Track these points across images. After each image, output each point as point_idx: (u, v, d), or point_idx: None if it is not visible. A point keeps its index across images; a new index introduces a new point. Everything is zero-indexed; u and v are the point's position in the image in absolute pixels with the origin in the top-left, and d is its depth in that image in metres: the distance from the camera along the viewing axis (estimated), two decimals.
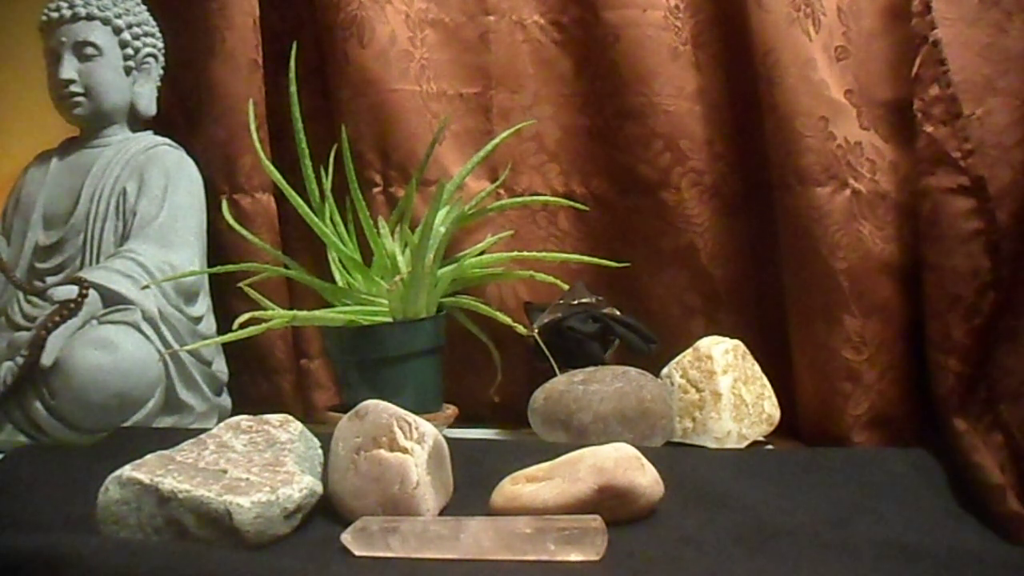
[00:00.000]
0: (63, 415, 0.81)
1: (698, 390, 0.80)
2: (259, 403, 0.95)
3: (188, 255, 0.91)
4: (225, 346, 0.93)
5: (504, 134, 0.89)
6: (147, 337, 0.85)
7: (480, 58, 0.96)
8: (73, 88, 0.93)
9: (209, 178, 0.97)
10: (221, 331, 0.92)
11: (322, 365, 1.02)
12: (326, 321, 0.84)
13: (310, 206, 0.84)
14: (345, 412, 0.63)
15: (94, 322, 0.84)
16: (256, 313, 0.81)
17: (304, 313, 0.83)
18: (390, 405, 0.61)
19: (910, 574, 0.52)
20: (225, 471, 0.57)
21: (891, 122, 0.84)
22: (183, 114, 1.02)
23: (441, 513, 0.60)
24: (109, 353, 0.81)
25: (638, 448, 0.61)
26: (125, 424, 0.82)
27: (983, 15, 0.74)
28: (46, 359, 0.81)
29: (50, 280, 0.90)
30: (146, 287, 0.86)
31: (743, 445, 0.78)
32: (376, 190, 0.96)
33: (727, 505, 0.62)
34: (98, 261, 0.90)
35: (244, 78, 0.95)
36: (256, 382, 0.99)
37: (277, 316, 0.82)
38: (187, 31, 0.99)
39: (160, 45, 0.98)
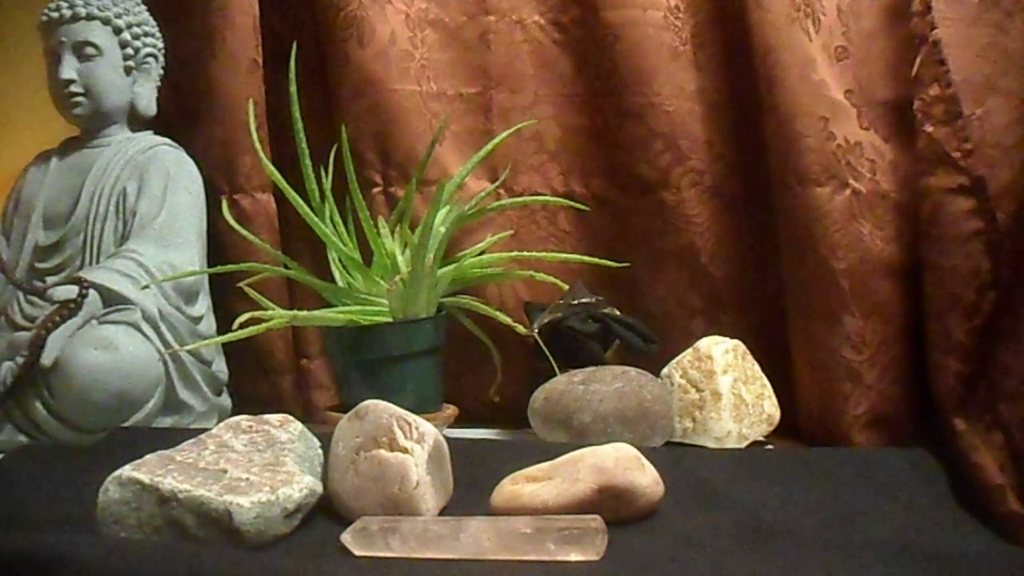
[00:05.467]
0: (63, 415, 0.81)
1: (698, 390, 0.80)
2: (259, 403, 0.95)
3: (188, 255, 0.91)
4: (225, 346, 0.93)
5: (504, 134, 0.89)
6: (147, 337, 0.85)
7: (480, 58, 0.96)
8: (73, 88, 0.93)
9: (209, 178, 0.97)
10: (221, 331, 0.92)
11: (322, 365, 1.02)
12: (326, 321, 0.84)
13: (310, 206, 0.84)
14: (345, 412, 0.63)
15: (94, 322, 0.84)
16: (256, 313, 0.81)
17: (304, 313, 0.83)
18: (390, 405, 0.61)
19: (910, 574, 0.52)
20: (225, 471, 0.57)
21: (891, 122, 0.84)
22: (183, 114, 1.02)
23: (441, 513, 0.60)
24: (109, 353, 0.81)
25: (638, 448, 0.61)
26: (125, 424, 0.82)
27: (983, 15, 0.74)
28: (46, 359, 0.81)
29: (50, 280, 0.90)
30: (146, 287, 0.86)
31: (743, 445, 0.78)
32: (376, 190, 0.96)
33: (727, 505, 0.62)
34: (98, 261, 0.90)
35: (244, 78, 0.95)
36: (256, 382, 0.99)
37: (277, 316, 0.82)
38: (187, 31, 0.99)
39: (160, 45, 0.98)
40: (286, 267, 0.87)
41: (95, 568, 0.50)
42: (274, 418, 0.67)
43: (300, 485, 0.57)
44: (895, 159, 0.83)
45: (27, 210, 0.95)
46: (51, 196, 0.95)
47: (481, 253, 0.88)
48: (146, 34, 0.96)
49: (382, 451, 0.59)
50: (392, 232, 0.87)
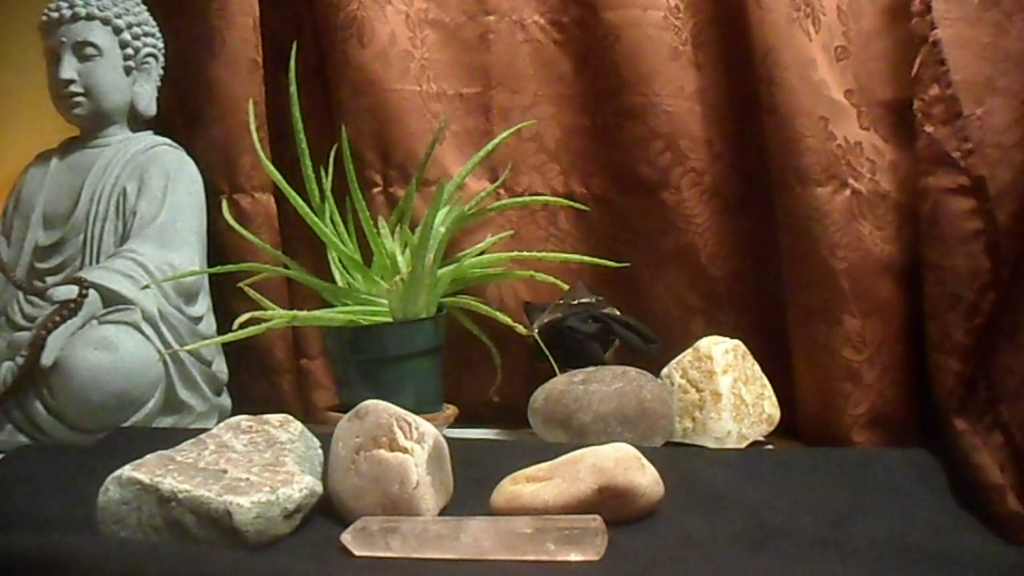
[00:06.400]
0: (63, 415, 0.81)
1: (698, 390, 0.79)
2: (259, 403, 0.95)
3: (188, 255, 0.91)
4: (225, 346, 0.93)
5: (504, 134, 0.89)
6: (147, 337, 0.85)
7: (480, 58, 0.96)
8: (73, 88, 0.93)
9: (209, 178, 0.97)
10: (221, 331, 0.92)
11: (322, 365, 1.02)
12: (326, 321, 0.84)
13: (310, 206, 0.84)
14: (345, 412, 0.63)
15: (94, 322, 0.84)
16: (256, 313, 0.81)
17: (304, 313, 0.83)
18: (390, 405, 0.61)
19: (910, 574, 0.52)
20: (225, 471, 0.57)
21: (891, 122, 0.84)
22: (183, 114, 1.02)
23: (441, 513, 0.60)
24: (109, 353, 0.81)
25: (638, 448, 0.61)
26: (125, 424, 0.82)
27: (983, 15, 0.74)
28: (46, 359, 0.81)
29: (50, 280, 0.90)
30: (146, 287, 0.86)
31: (743, 445, 0.78)
32: (376, 190, 0.96)
33: (727, 505, 0.62)
34: (98, 261, 0.90)
35: (244, 78, 0.95)
36: (256, 382, 0.99)
37: (277, 316, 0.82)
38: (187, 31, 0.99)
39: (160, 45, 0.98)
40: (286, 267, 0.87)
41: (95, 568, 0.50)
42: (274, 418, 0.67)
43: (300, 485, 0.57)
44: (895, 159, 0.83)
45: (27, 210, 0.95)
46: (51, 196, 0.94)
47: (481, 253, 0.88)
48: (146, 34, 0.96)
49: (382, 451, 0.59)
50: (392, 232, 0.87)
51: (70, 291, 0.83)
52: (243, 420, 0.66)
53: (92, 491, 0.56)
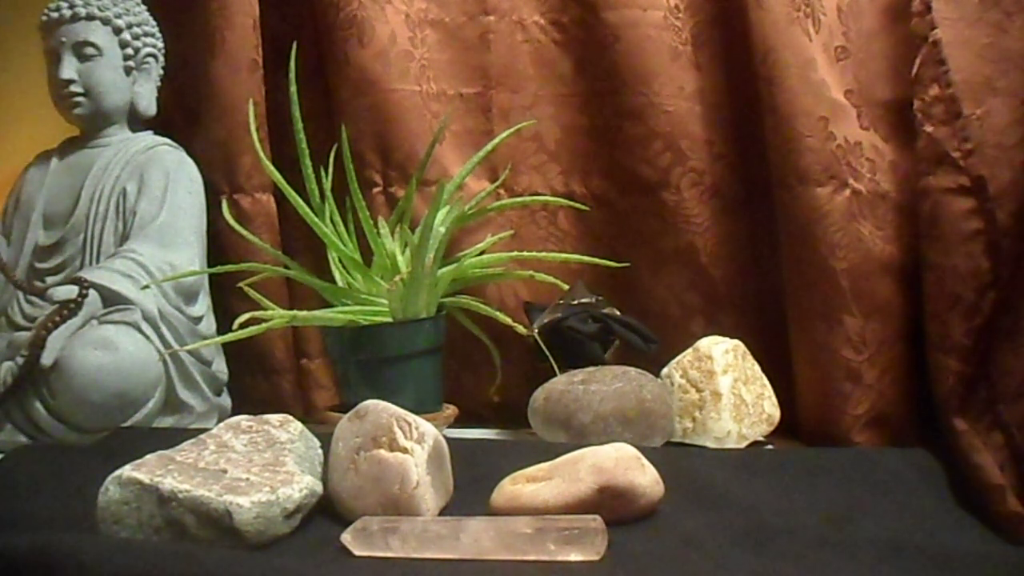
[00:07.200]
0: (63, 415, 0.81)
1: (698, 390, 0.79)
2: (259, 403, 0.95)
3: (188, 255, 0.91)
4: (225, 346, 0.93)
5: (504, 134, 0.89)
6: (147, 337, 0.85)
7: (480, 58, 0.96)
8: (73, 88, 0.93)
9: (209, 178, 0.97)
10: (221, 331, 0.92)
11: (322, 365, 1.02)
12: (326, 321, 0.84)
13: (310, 206, 0.84)
14: (345, 412, 0.63)
15: (94, 322, 0.84)
16: (256, 313, 0.81)
17: (304, 313, 0.83)
18: (390, 405, 0.61)
19: (910, 574, 0.52)
20: (225, 471, 0.57)
21: (891, 122, 0.84)
22: (183, 114, 1.02)
23: (441, 513, 0.60)
24: (109, 353, 0.81)
25: (638, 448, 0.61)
26: (125, 424, 0.82)
27: (983, 15, 0.74)
28: (46, 359, 0.81)
29: (50, 280, 0.90)
30: (146, 287, 0.86)
31: (743, 445, 0.78)
32: (376, 190, 0.96)
33: (727, 505, 0.62)
34: (98, 261, 0.90)
35: (244, 78, 0.95)
36: (256, 382, 0.99)
37: (277, 316, 0.82)
38: (187, 31, 0.99)
39: (160, 45, 0.98)
40: (286, 267, 0.87)
41: (95, 568, 0.50)
42: (274, 418, 0.67)
43: (300, 485, 0.57)
44: (895, 159, 0.83)
45: (27, 210, 0.95)
46: (51, 196, 0.94)
47: (481, 253, 0.88)
48: (146, 34, 0.96)
49: (382, 451, 0.59)
50: (392, 232, 0.87)
51: (70, 291, 0.83)
52: (243, 420, 0.66)
53: (92, 491, 0.56)
